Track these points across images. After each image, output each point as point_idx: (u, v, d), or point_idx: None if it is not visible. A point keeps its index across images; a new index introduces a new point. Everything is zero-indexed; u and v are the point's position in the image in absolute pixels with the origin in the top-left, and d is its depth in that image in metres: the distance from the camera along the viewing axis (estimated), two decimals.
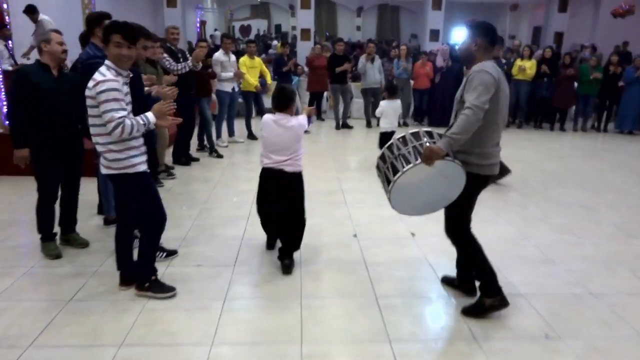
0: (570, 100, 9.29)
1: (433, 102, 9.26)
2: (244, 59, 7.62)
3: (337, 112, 9.06)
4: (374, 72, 8.91)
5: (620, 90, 9.11)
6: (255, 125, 7.92)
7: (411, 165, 2.53)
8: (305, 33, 14.46)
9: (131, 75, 2.79)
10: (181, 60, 5.84)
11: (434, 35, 14.51)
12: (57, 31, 3.29)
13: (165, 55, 5.54)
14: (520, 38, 18.99)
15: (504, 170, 5.46)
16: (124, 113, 2.54)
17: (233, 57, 7.05)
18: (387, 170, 2.66)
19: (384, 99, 6.30)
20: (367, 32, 22.76)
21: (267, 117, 3.31)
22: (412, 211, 2.88)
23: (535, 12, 16.99)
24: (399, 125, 9.30)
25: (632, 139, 8.93)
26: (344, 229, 4.17)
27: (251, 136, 7.89)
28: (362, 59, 9.03)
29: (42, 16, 7.16)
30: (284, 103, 3.26)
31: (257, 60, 7.82)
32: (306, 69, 9.51)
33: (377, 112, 6.23)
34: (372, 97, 9.04)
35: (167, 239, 3.68)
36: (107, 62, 2.65)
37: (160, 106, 2.67)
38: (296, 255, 3.56)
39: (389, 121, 6.10)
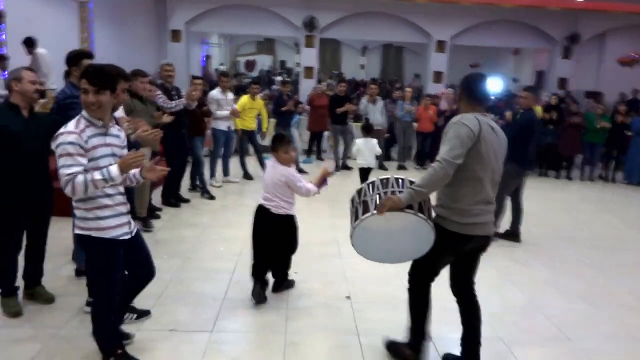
0: (576, 148, 9.05)
1: (436, 146, 9.02)
2: (245, 99, 7.42)
3: (337, 153, 8.81)
4: (375, 113, 8.72)
5: (628, 140, 8.86)
6: (251, 164, 7.67)
7: (368, 214, 2.45)
8: (308, 71, 14.48)
9: (113, 125, 2.53)
10: (175, 98, 5.63)
11: (438, 76, 14.49)
12: (30, 69, 3.05)
13: (158, 92, 5.34)
14: (523, 81, 19.01)
15: (514, 237, 5.17)
16: (76, 169, 2.24)
17: (230, 95, 6.86)
18: (353, 215, 2.61)
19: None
20: (371, 71, 22.89)
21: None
22: (377, 258, 2.74)
23: (538, 57, 17.00)
24: (400, 167, 9.10)
25: None
26: (336, 288, 3.82)
27: (247, 176, 7.62)
28: (364, 100, 8.86)
29: (39, 50, 7.02)
30: (273, 145, 3.46)
31: (259, 101, 7.62)
32: (307, 107, 9.33)
33: (354, 150, 6.58)
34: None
35: (141, 297, 3.32)
36: (82, 112, 2.39)
37: (126, 159, 2.35)
38: (281, 316, 3.26)
39: (364, 158, 6.41)
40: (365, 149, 6.34)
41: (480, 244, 2.57)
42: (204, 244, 4.68)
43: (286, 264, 3.65)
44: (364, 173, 6.41)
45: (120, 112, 3.56)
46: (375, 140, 6.47)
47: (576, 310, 3.68)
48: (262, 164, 7.80)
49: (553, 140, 8.94)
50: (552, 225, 5.99)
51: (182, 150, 5.90)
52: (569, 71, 14.21)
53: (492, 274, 4.12)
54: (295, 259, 3.68)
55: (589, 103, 10.26)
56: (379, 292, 3.77)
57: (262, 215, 3.44)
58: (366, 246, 2.60)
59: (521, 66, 20.11)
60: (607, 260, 4.83)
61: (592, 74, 14.73)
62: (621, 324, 3.51)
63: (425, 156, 9.31)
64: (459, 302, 2.70)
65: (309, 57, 14.35)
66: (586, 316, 3.60)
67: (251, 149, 7.83)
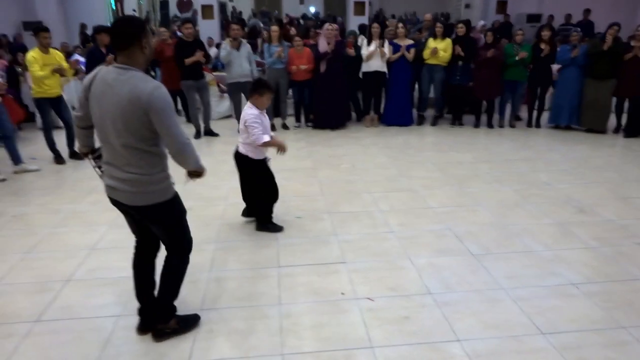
0: (494, 90, 7.33)
1: (315, 97, 7.26)
2: (34, 53, 5.51)
3: (195, 117, 7.01)
4: (240, 60, 6.86)
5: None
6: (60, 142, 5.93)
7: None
8: (207, 10, 12.32)
9: None
10: None
11: (360, 8, 12.45)
12: None
13: None
14: (474, 7, 17.04)
15: None
16: None
17: None
18: None
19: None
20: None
21: None
22: None
23: None
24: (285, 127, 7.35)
25: (574, 137, 6.98)
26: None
27: (59, 160, 5.86)
28: (226, 45, 6.96)
29: None
30: (250, 90, 3.58)
31: (55, 54, 5.71)
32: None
33: None
34: (241, 94, 7.00)
35: None
36: None
37: None
38: None
39: None
40: None
41: (130, 210, 2.29)
42: None
43: (263, 207, 3.82)
44: None
45: None
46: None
47: None
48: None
49: (462, 81, 7.24)
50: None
51: None
52: None
53: None
54: None
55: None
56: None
57: (235, 154, 3.74)
58: None
59: None
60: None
61: None
62: None
63: (307, 111, 7.58)
64: None
65: None
66: None
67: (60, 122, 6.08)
